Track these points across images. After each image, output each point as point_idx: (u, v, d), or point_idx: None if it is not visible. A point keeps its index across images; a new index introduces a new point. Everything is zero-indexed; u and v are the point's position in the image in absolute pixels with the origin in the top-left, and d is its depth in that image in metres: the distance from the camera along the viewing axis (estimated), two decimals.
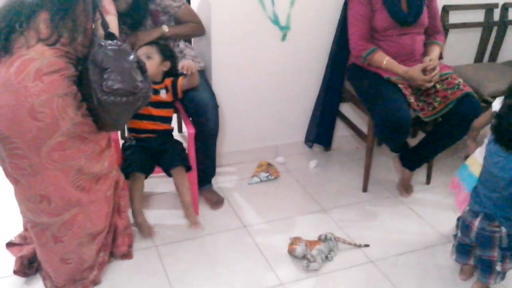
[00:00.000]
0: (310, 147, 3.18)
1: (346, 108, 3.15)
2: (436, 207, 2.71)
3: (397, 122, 2.44)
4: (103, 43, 1.81)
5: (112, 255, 2.22)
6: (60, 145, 1.80)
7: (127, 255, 2.25)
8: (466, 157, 2.34)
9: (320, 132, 3.13)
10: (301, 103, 3.10)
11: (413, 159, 2.76)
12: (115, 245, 2.20)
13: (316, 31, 2.94)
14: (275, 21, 2.82)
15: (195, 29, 2.65)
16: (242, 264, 2.26)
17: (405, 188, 2.82)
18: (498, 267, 1.99)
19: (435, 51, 2.71)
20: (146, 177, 2.39)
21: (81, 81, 1.85)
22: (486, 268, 2.03)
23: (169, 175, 2.44)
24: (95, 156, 1.94)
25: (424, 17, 2.70)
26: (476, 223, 1.96)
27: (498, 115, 1.89)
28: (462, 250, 2.11)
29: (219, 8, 2.69)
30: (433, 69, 2.55)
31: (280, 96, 3.04)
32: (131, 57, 1.84)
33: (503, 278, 2.06)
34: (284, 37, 2.88)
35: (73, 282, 2.03)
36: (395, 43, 2.66)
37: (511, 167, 1.85)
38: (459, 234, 2.09)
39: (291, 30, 2.87)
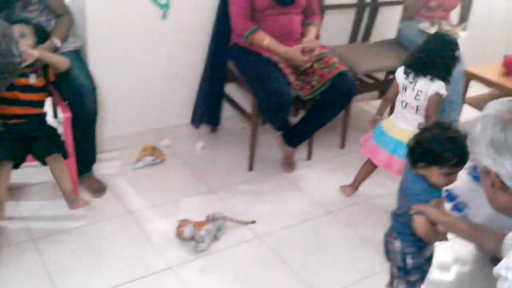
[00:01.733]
0: (197, 127, 3.15)
1: (230, 88, 3.16)
2: (317, 182, 2.84)
3: (278, 101, 2.50)
4: None
5: None
6: None
7: None
8: None
9: (207, 112, 3.11)
10: (185, 84, 3.06)
11: (294, 137, 2.85)
12: None
13: (197, 9, 2.90)
14: None
15: (71, 23, 2.51)
16: (128, 251, 2.19)
17: (289, 164, 2.91)
18: (394, 284, 1.89)
19: (312, 32, 2.80)
20: (17, 166, 2.21)
21: None
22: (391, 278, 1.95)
23: (44, 163, 2.27)
24: None
25: None
26: (386, 229, 1.93)
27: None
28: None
29: None
30: (312, 49, 2.64)
31: (163, 76, 2.97)
32: None
33: None
34: (164, 16, 2.81)
35: None
36: (275, 22, 2.71)
37: (406, 183, 1.79)
38: None
39: (172, 8, 2.81)
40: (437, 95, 2.35)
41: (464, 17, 3.38)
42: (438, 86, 2.35)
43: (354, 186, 2.73)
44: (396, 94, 2.51)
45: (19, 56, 1.72)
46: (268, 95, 2.50)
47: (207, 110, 3.11)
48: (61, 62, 2.28)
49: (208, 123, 3.18)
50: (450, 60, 2.35)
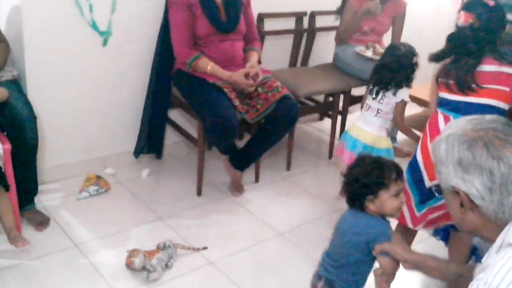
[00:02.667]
0: (136, 157, 3.09)
1: (175, 114, 3.15)
2: (266, 204, 2.87)
3: (225, 125, 2.52)
4: None
5: None
6: None
7: None
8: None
9: (150, 141, 3.06)
10: (127, 111, 3.01)
11: (241, 160, 2.87)
12: None
13: (139, 37, 2.89)
14: (94, 26, 2.70)
15: (8, 50, 2.45)
16: (77, 285, 2.11)
17: (237, 188, 2.92)
18: None
19: (254, 57, 2.87)
20: None
21: None
22: None
23: None
24: None
25: (242, 25, 2.84)
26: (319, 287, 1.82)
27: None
28: None
29: (32, 13, 2.50)
30: (256, 74, 2.70)
31: (105, 104, 2.91)
32: None
33: None
34: (105, 43, 2.78)
35: None
36: (217, 49, 2.75)
37: (353, 228, 1.69)
38: None
39: (113, 35, 2.78)
40: (402, 102, 2.55)
41: (395, 40, 3.57)
42: (403, 94, 2.54)
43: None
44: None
45: None
46: (215, 120, 2.52)
47: (150, 139, 3.05)
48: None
49: (151, 152, 3.12)
50: (409, 69, 2.53)
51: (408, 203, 2.12)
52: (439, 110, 2.11)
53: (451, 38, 2.08)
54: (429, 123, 2.15)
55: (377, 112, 2.59)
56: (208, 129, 2.61)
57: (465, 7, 2.02)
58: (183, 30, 2.68)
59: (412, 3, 3.62)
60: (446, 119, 2.06)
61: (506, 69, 1.98)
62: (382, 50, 3.28)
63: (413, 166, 2.14)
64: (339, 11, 3.51)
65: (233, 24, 2.77)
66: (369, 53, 3.27)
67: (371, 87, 2.62)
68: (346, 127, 2.79)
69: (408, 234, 2.24)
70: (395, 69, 2.51)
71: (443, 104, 2.10)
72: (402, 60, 2.51)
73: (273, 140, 2.81)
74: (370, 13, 3.30)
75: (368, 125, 2.63)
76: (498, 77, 1.99)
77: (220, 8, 2.75)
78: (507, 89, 1.99)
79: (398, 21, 3.54)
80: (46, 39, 2.58)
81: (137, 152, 3.06)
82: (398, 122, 2.60)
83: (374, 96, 2.58)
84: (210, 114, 2.55)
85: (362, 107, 2.79)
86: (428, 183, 2.07)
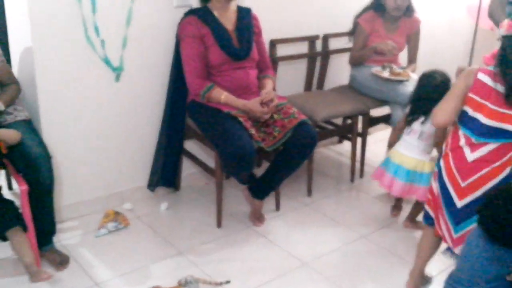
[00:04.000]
0: (152, 191, 3.05)
1: (191, 145, 3.12)
2: (288, 232, 2.79)
3: (242, 155, 2.47)
4: None
5: None
6: None
7: None
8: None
9: (164, 173, 3.02)
10: (142, 145, 2.99)
11: (261, 189, 2.81)
12: None
13: (151, 70, 2.88)
14: (107, 62, 2.70)
15: (18, 91, 2.48)
16: None
17: (257, 217, 2.86)
18: None
19: (269, 84, 2.84)
20: None
21: None
22: None
23: (3, 239, 2.17)
24: None
25: (254, 52, 2.82)
26: None
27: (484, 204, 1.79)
28: None
29: (43, 54, 2.51)
30: (271, 101, 2.66)
31: (120, 139, 2.89)
32: None
33: None
34: (117, 78, 2.77)
35: None
36: (231, 77, 2.73)
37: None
38: None
39: (125, 70, 2.78)
40: None
41: (412, 59, 3.51)
42: None
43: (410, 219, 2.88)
44: (405, 126, 2.70)
45: None
46: (231, 150, 2.47)
47: (164, 172, 3.01)
48: (11, 136, 2.22)
49: (165, 185, 3.07)
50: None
51: (445, 222, 2.07)
52: (461, 130, 1.99)
53: (498, 54, 1.90)
54: (451, 148, 2.03)
55: (420, 135, 2.61)
56: (225, 160, 2.56)
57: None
58: (195, 62, 2.67)
59: (425, 20, 3.56)
60: (468, 141, 1.96)
61: None
62: (399, 70, 3.24)
63: (442, 187, 2.05)
64: (351, 33, 3.48)
65: (246, 51, 2.75)
66: (386, 74, 3.21)
67: (410, 117, 2.64)
68: (388, 154, 2.77)
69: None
70: (435, 99, 2.42)
71: (467, 122, 1.97)
72: (440, 89, 2.50)
73: (292, 167, 2.75)
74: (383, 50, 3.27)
75: (409, 150, 2.64)
76: None
77: (232, 36, 2.74)
78: None
79: (413, 39, 3.48)
80: (59, 78, 2.59)
81: (152, 185, 3.02)
82: (440, 143, 2.49)
83: (415, 119, 2.61)
84: (226, 144, 2.51)
85: (399, 128, 2.77)
86: (458, 203, 1.99)
